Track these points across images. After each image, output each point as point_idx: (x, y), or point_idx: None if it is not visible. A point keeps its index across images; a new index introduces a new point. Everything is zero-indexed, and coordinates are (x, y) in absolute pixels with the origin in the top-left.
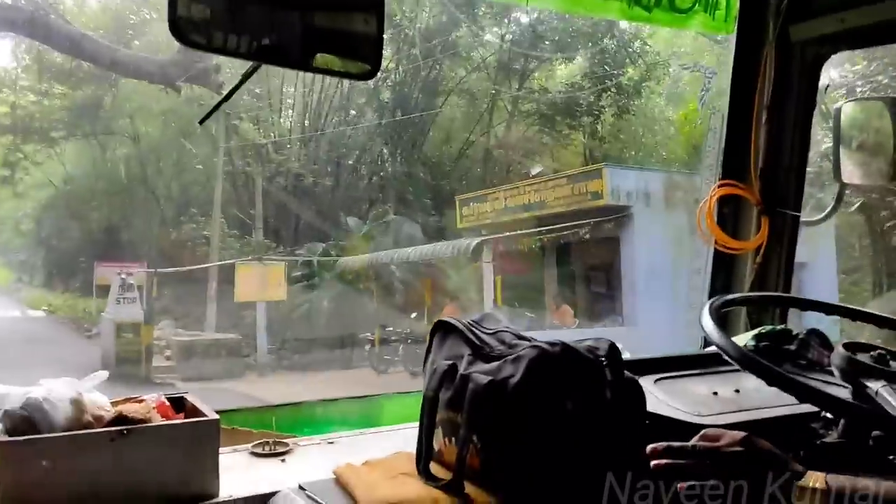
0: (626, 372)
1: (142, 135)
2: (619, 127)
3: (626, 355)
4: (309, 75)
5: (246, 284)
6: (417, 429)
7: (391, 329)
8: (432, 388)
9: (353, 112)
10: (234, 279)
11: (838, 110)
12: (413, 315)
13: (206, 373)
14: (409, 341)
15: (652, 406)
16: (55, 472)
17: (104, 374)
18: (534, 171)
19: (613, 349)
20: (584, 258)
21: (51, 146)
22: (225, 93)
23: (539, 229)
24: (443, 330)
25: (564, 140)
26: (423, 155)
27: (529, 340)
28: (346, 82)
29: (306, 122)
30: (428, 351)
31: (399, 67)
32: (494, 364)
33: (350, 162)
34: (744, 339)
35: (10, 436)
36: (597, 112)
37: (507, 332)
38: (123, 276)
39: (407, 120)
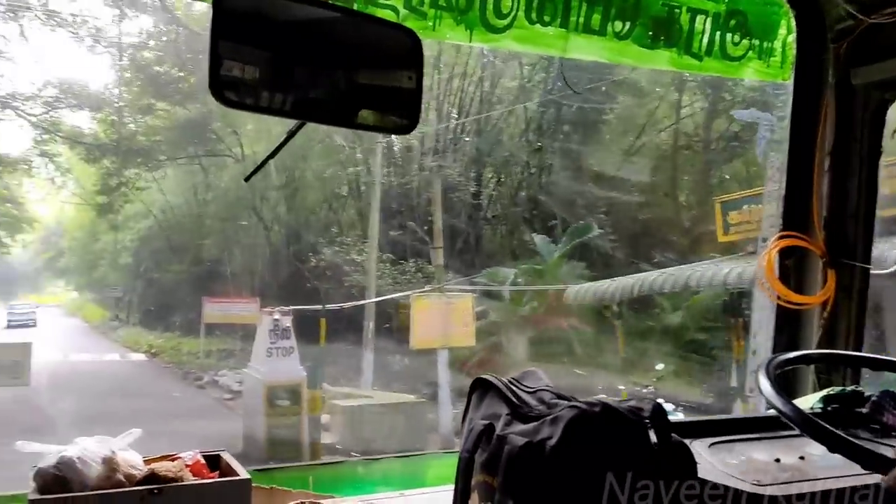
0: (673, 435)
1: (248, 155)
2: None
3: (678, 416)
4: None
5: (426, 325)
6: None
7: (644, 385)
8: (468, 448)
9: (498, 110)
10: (410, 317)
11: None
12: (660, 366)
13: (383, 449)
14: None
15: (704, 472)
16: None
17: (138, 431)
18: None
19: (659, 409)
20: None
21: (152, 170)
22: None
23: None
24: (481, 388)
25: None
26: (590, 160)
27: (570, 400)
28: (490, 69)
29: (452, 117)
30: (466, 409)
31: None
32: (532, 425)
33: (498, 168)
34: (810, 400)
35: (41, 494)
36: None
37: (547, 391)
38: (277, 316)
39: (571, 117)
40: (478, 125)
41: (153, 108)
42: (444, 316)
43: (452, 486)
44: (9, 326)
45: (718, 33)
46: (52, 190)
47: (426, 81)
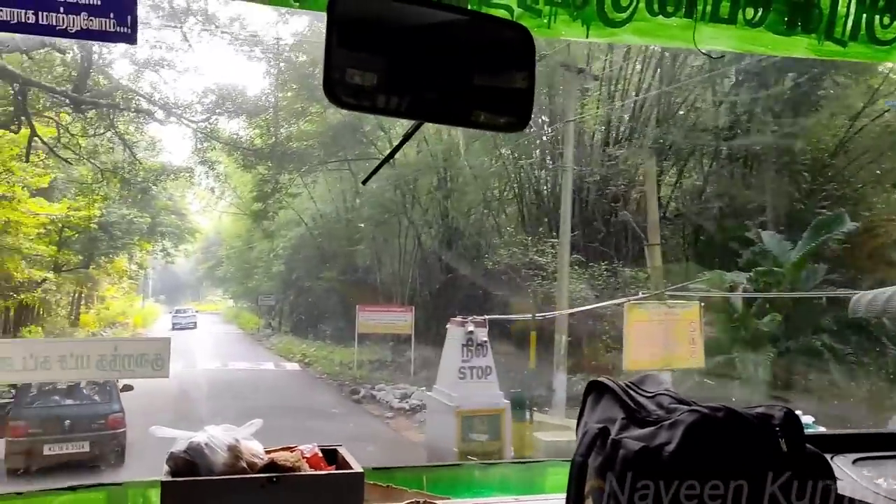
0: (808, 445)
1: (398, 158)
2: None
3: (819, 430)
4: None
5: (642, 340)
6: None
7: None
8: (581, 453)
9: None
10: (624, 331)
11: None
12: None
13: None
14: None
15: (847, 488)
16: None
17: (259, 422)
18: None
19: (791, 417)
20: None
21: (304, 175)
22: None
23: None
24: (597, 391)
25: None
26: (797, 146)
27: (690, 404)
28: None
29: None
30: (581, 413)
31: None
32: (649, 429)
33: (684, 158)
34: None
35: (173, 476)
36: None
37: (666, 395)
38: (471, 328)
39: (771, 98)
40: (658, 111)
41: (306, 111)
42: (665, 329)
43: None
44: (173, 328)
45: (864, 16)
46: (211, 200)
47: (597, 64)
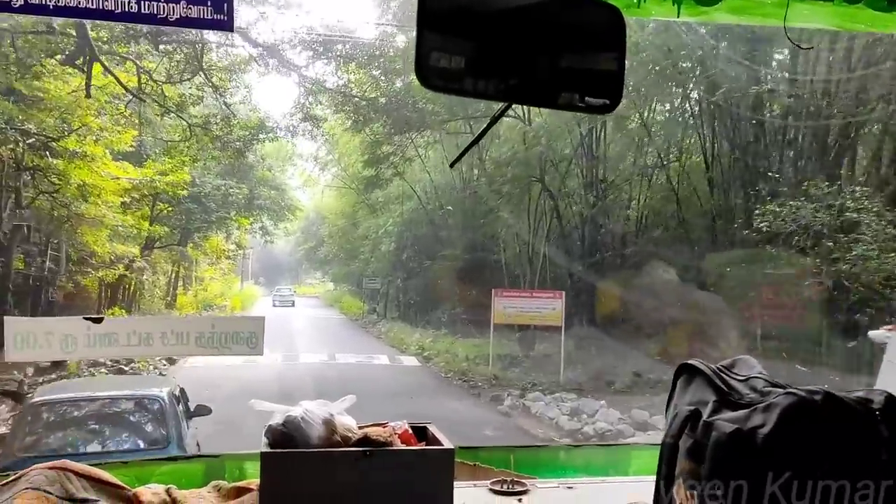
0: None
1: (534, 118)
2: None
3: None
4: None
5: None
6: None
7: None
8: (672, 434)
9: None
10: None
11: None
12: None
13: None
14: None
15: None
16: (306, 482)
17: (353, 397)
18: None
19: (892, 402)
20: None
21: (418, 138)
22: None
23: None
24: (687, 373)
25: None
26: None
27: (785, 388)
28: None
29: None
30: (670, 395)
31: None
32: (742, 412)
33: None
34: None
35: (271, 447)
36: None
37: (760, 378)
38: None
39: None
40: None
41: None
42: None
43: (655, 476)
44: (273, 305)
45: None
46: (314, 171)
47: None
